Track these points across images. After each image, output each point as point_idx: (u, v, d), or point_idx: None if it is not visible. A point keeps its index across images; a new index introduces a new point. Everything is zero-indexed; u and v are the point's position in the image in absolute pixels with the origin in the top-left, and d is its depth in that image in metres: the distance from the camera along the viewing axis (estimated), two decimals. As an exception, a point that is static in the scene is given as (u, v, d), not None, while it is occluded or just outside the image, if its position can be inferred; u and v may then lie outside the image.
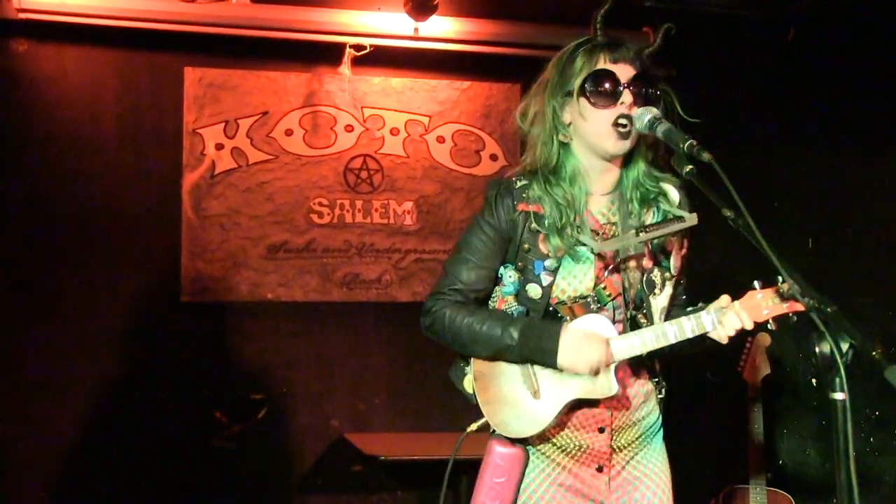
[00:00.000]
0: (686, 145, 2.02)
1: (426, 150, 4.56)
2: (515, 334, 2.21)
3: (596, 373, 2.18)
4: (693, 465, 2.40)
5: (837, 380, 1.76)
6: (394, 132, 4.52)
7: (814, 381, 4.11)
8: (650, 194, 2.30)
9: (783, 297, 2.10)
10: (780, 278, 2.04)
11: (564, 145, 2.28)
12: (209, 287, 4.29)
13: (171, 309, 4.26)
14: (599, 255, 2.26)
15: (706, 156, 1.98)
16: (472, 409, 2.33)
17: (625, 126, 2.19)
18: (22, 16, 3.96)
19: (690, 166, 2.04)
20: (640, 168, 2.30)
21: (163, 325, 4.25)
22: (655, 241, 2.27)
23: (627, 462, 2.32)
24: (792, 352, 4.15)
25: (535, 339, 2.20)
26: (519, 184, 2.29)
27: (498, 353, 2.25)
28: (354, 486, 4.41)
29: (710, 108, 2.27)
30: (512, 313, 2.30)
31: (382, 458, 3.93)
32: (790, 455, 4.21)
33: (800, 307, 2.02)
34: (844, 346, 1.74)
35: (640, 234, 2.20)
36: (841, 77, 4.01)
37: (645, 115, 2.16)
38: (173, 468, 4.18)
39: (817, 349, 1.80)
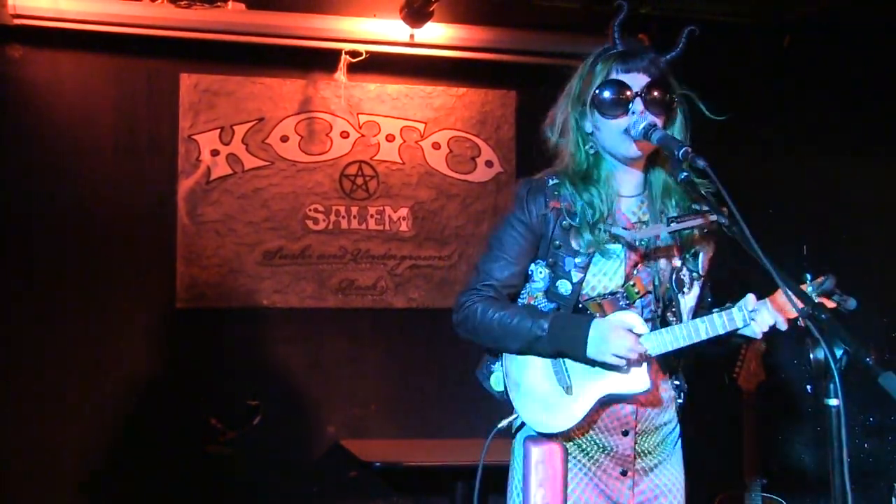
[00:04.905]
0: (681, 152, 2.04)
1: (422, 157, 4.56)
2: (546, 325, 2.21)
3: (629, 367, 2.18)
4: (688, 472, 2.40)
5: (832, 386, 1.77)
6: (389, 138, 4.52)
7: (808, 387, 4.12)
8: (684, 200, 2.29)
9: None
10: (808, 276, 2.05)
11: (593, 152, 2.30)
12: (204, 293, 4.28)
13: (166, 315, 4.25)
14: (630, 250, 2.26)
15: (701, 163, 2.00)
16: (468, 414, 2.33)
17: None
18: (17, 21, 3.95)
19: (685, 173, 2.06)
20: (666, 175, 2.30)
21: (158, 331, 4.24)
22: (686, 234, 2.28)
23: (651, 470, 2.32)
24: (787, 358, 4.16)
25: (565, 330, 2.20)
26: (551, 182, 2.30)
27: (529, 346, 2.25)
28: (351, 492, 4.39)
29: (705, 114, 2.28)
30: (543, 307, 2.30)
31: (378, 464, 3.93)
32: (785, 461, 4.21)
33: (830, 304, 2.05)
34: (839, 353, 1.75)
35: (671, 224, 2.21)
36: (836, 84, 4.02)
37: (640, 123, 2.17)
38: (168, 474, 4.17)
39: (812, 355, 1.81)
